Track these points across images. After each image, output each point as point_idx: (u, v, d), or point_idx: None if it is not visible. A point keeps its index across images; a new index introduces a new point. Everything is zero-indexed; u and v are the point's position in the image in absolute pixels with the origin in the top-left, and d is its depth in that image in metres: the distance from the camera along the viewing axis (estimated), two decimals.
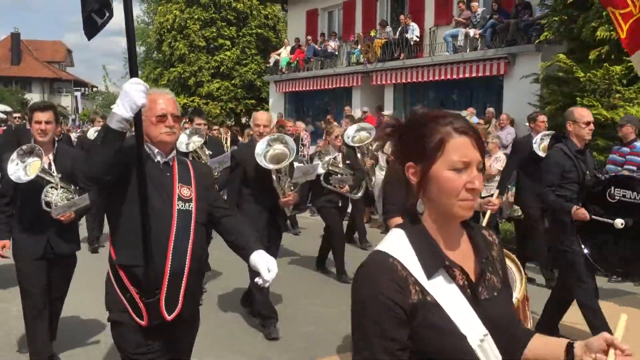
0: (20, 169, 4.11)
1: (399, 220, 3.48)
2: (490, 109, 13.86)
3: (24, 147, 4.20)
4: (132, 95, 2.56)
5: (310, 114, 20.95)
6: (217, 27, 25.86)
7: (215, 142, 7.84)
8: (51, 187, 4.26)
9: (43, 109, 4.31)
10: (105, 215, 7.98)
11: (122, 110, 2.56)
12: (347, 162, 7.65)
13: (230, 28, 26.04)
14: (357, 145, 8.59)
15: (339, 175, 7.45)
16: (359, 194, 7.88)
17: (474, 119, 12.84)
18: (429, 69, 16.28)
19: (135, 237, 2.75)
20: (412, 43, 16.73)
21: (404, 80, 17.16)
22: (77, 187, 4.43)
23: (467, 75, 15.27)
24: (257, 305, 5.54)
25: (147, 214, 2.72)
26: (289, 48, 21.71)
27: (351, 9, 19.71)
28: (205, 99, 25.66)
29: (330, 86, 19.65)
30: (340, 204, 7.56)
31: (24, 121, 10.86)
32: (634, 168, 7.06)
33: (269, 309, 5.45)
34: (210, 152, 6.63)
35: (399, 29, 17.13)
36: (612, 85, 10.21)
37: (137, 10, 52.40)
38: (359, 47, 18.48)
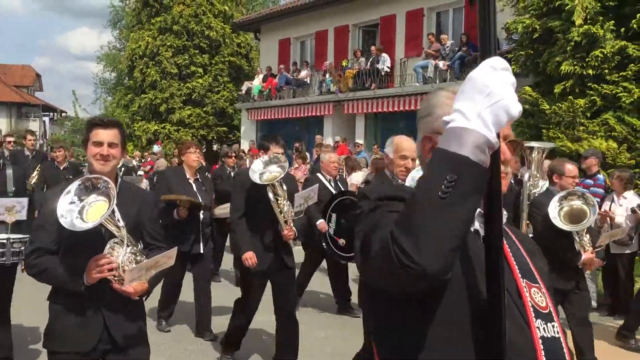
0: (75, 211, 2.67)
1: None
2: None
3: (88, 178, 2.76)
4: (502, 95, 1.21)
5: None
6: (190, 54, 25.91)
7: (288, 175, 6.12)
8: (115, 243, 2.79)
9: (106, 125, 2.98)
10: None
11: (479, 125, 1.21)
12: None
13: (203, 56, 26.10)
14: None
15: None
16: None
17: None
18: (400, 99, 16.52)
19: None
20: (383, 73, 16.99)
21: (375, 110, 17.36)
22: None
23: None
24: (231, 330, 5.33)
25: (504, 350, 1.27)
26: (261, 76, 21.84)
27: (323, 39, 19.97)
28: (176, 126, 25.57)
29: (302, 114, 19.77)
30: None
31: (21, 146, 9.97)
32: (598, 200, 7.20)
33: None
34: (286, 188, 5.16)
35: (370, 59, 17.40)
36: (577, 118, 10.48)
37: (109, 37, 52.36)
38: (329, 76, 18.69)
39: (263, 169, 4.92)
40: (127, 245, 2.78)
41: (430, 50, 15.98)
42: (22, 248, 4.36)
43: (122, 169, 8.36)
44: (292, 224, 4.93)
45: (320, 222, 6.59)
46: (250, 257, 4.89)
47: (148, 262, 2.79)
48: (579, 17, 10.25)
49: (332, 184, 7.06)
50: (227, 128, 26.08)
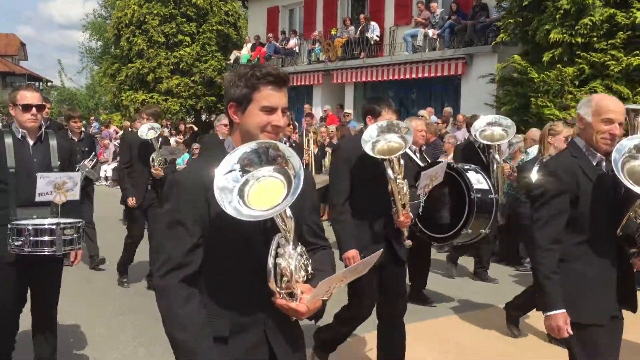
0: (234, 191, 1.89)
1: None
2: (448, 109, 14.11)
3: (268, 145, 1.97)
4: None
5: None
6: (177, 22, 25.55)
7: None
8: (283, 241, 1.97)
9: (281, 83, 2.11)
10: None
11: None
12: None
13: (190, 24, 25.75)
14: (486, 142, 6.37)
15: None
16: None
17: (433, 118, 13.05)
18: (389, 68, 16.46)
19: None
20: (372, 42, 16.89)
21: (364, 79, 17.31)
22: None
23: (425, 74, 15.50)
24: None
25: None
26: (249, 45, 21.64)
27: (312, 7, 19.77)
28: (164, 96, 25.34)
29: (291, 84, 19.56)
30: None
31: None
32: None
33: None
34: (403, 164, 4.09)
35: (360, 28, 17.28)
36: (565, 86, 10.53)
37: (94, 4, 51.47)
38: (318, 45, 18.55)
39: (377, 137, 3.87)
40: (295, 245, 1.98)
41: (420, 19, 15.87)
42: (75, 235, 3.78)
43: (161, 139, 6.97)
44: (409, 209, 4.01)
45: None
46: (353, 257, 3.89)
47: (346, 272, 2.02)
48: None
49: (418, 155, 6.00)
50: (215, 98, 25.88)
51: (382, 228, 3.99)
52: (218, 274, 2.07)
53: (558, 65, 10.56)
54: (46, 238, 3.65)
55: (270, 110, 2.07)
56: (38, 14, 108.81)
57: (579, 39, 10.37)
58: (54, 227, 3.65)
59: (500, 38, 12.37)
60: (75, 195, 3.86)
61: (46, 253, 3.65)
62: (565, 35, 10.41)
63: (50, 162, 3.93)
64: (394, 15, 17.09)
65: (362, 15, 17.46)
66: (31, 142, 3.91)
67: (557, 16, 10.43)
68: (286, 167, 1.92)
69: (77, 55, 74.94)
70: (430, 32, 15.35)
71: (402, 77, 16.17)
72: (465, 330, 5.52)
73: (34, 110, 3.85)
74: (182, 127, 20.25)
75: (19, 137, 3.88)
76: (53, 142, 4.00)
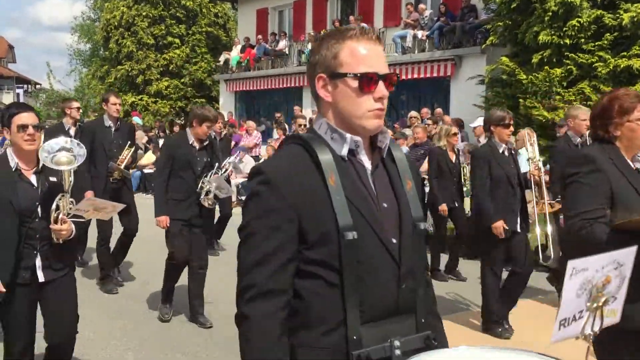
0: None
1: None
2: (439, 110, 14.15)
3: None
4: None
5: (261, 113, 20.92)
6: (166, 24, 25.48)
7: None
8: None
9: None
10: None
11: None
12: None
13: (180, 26, 25.70)
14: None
15: None
16: None
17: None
18: None
19: None
20: None
21: None
22: None
23: (415, 76, 15.54)
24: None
25: None
26: (239, 47, 21.61)
27: (301, 8, 19.77)
28: (154, 97, 25.26)
29: (281, 86, 19.66)
30: None
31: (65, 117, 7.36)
32: None
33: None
34: None
35: None
36: (553, 87, 10.59)
37: (83, 7, 51.21)
38: (310, 45, 18.55)
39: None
40: None
41: (409, 20, 15.91)
42: None
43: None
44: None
45: None
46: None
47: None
48: None
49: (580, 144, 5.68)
50: (205, 99, 25.82)
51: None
52: None
53: (546, 67, 10.62)
54: None
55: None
56: (26, 16, 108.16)
57: (567, 41, 10.43)
58: None
59: (489, 40, 12.42)
60: None
61: None
62: (553, 37, 10.47)
63: (410, 212, 1.68)
64: (383, 16, 17.13)
65: (352, 17, 17.48)
66: (369, 167, 1.69)
67: (546, 18, 10.49)
68: None
69: (66, 57, 74.40)
70: (420, 34, 15.40)
71: None
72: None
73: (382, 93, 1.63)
74: (176, 128, 20.12)
75: (343, 153, 1.65)
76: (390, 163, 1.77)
